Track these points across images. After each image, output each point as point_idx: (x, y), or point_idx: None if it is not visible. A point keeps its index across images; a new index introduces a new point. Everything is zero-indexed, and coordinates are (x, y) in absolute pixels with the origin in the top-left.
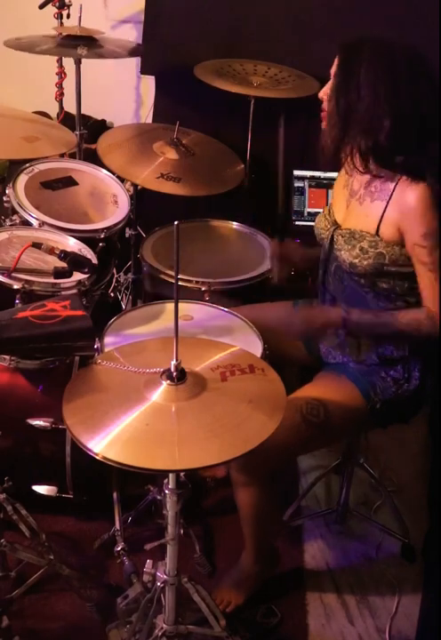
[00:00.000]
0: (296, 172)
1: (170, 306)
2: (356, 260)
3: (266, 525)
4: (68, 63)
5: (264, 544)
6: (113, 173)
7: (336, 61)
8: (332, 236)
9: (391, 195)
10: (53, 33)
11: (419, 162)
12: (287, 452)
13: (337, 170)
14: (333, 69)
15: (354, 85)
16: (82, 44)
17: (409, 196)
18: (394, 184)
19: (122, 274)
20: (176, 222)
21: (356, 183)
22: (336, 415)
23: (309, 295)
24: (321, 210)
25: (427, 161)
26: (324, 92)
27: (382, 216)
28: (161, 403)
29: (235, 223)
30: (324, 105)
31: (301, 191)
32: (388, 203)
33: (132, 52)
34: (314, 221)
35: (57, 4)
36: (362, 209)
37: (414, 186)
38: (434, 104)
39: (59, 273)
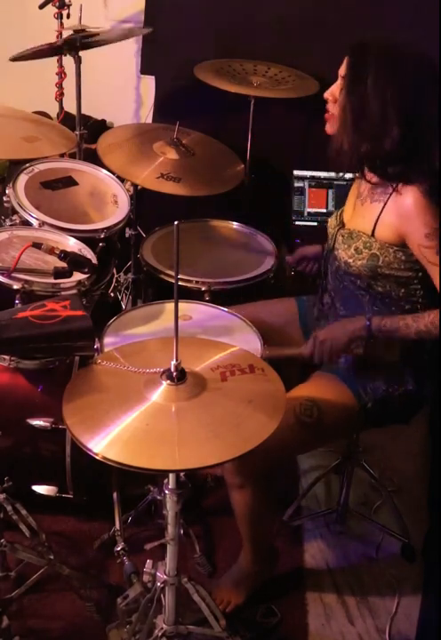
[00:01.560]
0: (296, 172)
1: (169, 306)
2: (351, 260)
3: (262, 526)
4: (68, 63)
5: (262, 544)
6: (113, 173)
7: (345, 63)
8: (335, 236)
9: (389, 197)
10: (54, 38)
11: (416, 172)
12: (281, 453)
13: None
14: (342, 71)
15: (362, 92)
16: (80, 39)
17: (405, 198)
18: (392, 186)
19: (122, 274)
20: (176, 222)
21: (363, 185)
22: (329, 415)
23: (309, 293)
24: (322, 210)
25: (424, 172)
26: (331, 93)
27: (378, 217)
28: (161, 403)
29: (235, 223)
30: (329, 106)
31: (301, 191)
32: (385, 204)
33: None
34: (314, 221)
35: (57, 4)
36: (363, 210)
37: (409, 188)
38: (438, 114)
39: (59, 273)
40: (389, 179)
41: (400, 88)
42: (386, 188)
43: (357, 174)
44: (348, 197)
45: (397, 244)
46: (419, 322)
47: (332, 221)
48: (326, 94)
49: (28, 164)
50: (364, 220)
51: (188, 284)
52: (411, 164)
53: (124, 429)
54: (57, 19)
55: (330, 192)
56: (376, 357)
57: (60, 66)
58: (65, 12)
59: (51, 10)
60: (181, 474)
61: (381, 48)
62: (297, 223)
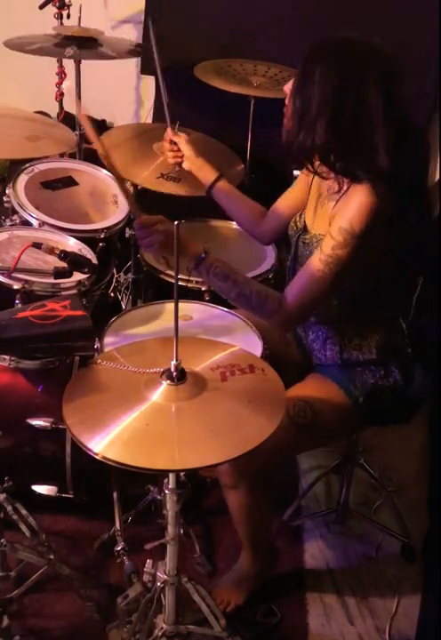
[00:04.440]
0: (296, 173)
1: (170, 306)
2: None
3: (259, 527)
4: (69, 63)
5: (261, 545)
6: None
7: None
8: (297, 243)
9: (341, 194)
10: (52, 32)
11: (360, 169)
12: (276, 455)
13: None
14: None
15: (309, 84)
16: (75, 44)
17: (354, 191)
18: (346, 184)
19: (122, 274)
20: (176, 222)
21: (323, 185)
22: (323, 415)
23: None
24: None
25: (368, 170)
26: (288, 87)
27: (330, 214)
28: (161, 403)
29: (235, 223)
30: (287, 100)
31: None
32: (336, 201)
33: (130, 53)
34: None
35: (57, 4)
36: (322, 211)
37: (361, 185)
38: (383, 114)
39: (59, 273)
40: (337, 171)
41: (341, 81)
42: (340, 186)
43: (307, 169)
44: (308, 201)
45: None
46: (246, 287)
47: (291, 228)
48: (285, 88)
49: (28, 164)
50: (322, 220)
51: (188, 284)
52: (353, 160)
53: (123, 429)
54: (57, 19)
55: None
56: None
57: (61, 66)
58: (65, 12)
59: (51, 10)
60: (181, 474)
61: (335, 43)
62: None
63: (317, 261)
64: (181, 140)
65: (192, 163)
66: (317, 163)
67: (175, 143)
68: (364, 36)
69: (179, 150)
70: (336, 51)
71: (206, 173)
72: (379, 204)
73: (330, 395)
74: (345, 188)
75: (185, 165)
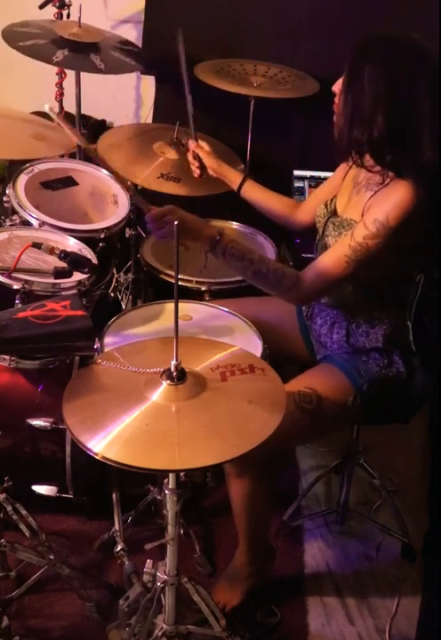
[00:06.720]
0: (296, 172)
1: (170, 306)
2: None
3: (258, 521)
4: None
5: (257, 541)
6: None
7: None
8: (326, 224)
9: (383, 186)
10: (51, 21)
11: (407, 164)
12: (281, 442)
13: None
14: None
15: (359, 82)
16: (68, 48)
17: (395, 186)
18: (388, 177)
19: (122, 274)
20: (176, 222)
21: (361, 175)
22: (328, 401)
23: None
24: None
25: (414, 165)
26: (337, 86)
27: (366, 203)
28: (161, 403)
29: (235, 223)
30: (336, 99)
31: (301, 191)
32: (375, 192)
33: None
34: None
35: (57, 4)
36: (357, 199)
37: (403, 181)
38: (430, 108)
39: (59, 273)
40: (385, 165)
41: (391, 77)
42: (383, 179)
43: (355, 163)
44: (341, 187)
45: None
46: (262, 265)
47: (321, 211)
48: (334, 88)
49: (27, 164)
50: (355, 208)
51: (188, 284)
52: (402, 155)
53: (123, 429)
54: (57, 19)
55: None
56: None
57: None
58: (65, 12)
59: (51, 10)
60: (181, 474)
61: (381, 40)
62: None
63: (346, 246)
64: (204, 153)
65: (217, 173)
66: (367, 156)
67: (198, 156)
68: (405, 32)
69: (201, 163)
70: (384, 47)
71: (232, 178)
72: (417, 203)
73: (335, 382)
74: (387, 181)
75: (210, 173)
